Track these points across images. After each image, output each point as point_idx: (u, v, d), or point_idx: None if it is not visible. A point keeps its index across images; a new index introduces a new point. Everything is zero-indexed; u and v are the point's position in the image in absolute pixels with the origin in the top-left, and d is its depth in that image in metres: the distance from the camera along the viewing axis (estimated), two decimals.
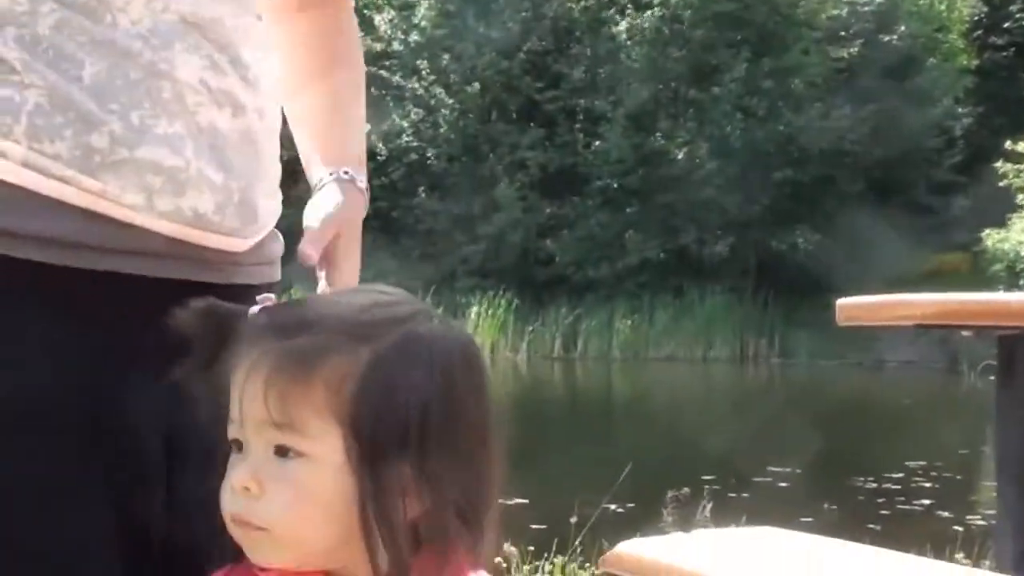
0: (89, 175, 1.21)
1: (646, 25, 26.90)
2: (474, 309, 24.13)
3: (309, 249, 1.40)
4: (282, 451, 1.06)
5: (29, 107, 1.20)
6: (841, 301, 2.17)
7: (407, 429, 1.05)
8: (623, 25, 27.16)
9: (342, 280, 1.46)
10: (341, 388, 1.05)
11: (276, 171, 1.44)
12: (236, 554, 1.11)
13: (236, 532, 1.08)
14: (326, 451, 1.05)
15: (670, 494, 5.77)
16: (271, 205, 1.43)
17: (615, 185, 26.24)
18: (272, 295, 1.15)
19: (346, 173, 1.50)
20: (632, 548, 2.05)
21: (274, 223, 1.46)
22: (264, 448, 1.07)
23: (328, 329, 1.08)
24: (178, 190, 1.26)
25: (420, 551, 1.07)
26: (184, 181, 1.26)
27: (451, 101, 27.69)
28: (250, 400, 1.07)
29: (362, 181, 1.53)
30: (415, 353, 1.08)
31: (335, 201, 1.47)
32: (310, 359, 1.05)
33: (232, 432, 1.09)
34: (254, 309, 1.13)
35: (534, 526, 6.20)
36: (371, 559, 1.05)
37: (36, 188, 1.20)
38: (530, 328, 24.45)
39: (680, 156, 25.94)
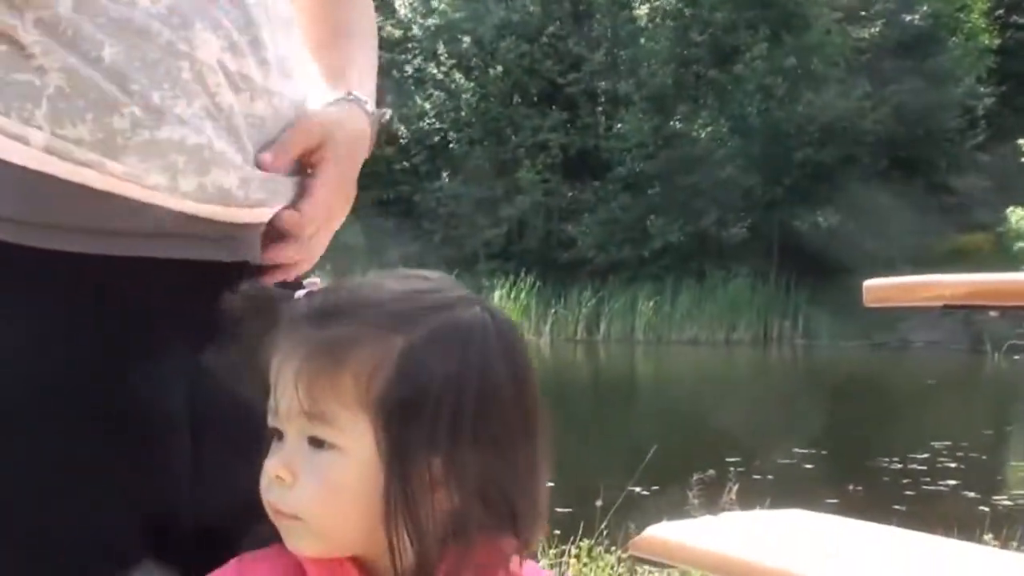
0: (112, 158, 1.19)
1: (668, 8, 26.86)
2: (496, 292, 24.14)
3: (264, 159, 1.29)
4: (316, 442, 1.05)
5: (50, 91, 1.18)
6: (868, 283, 2.15)
7: (438, 423, 1.02)
8: (644, 9, 27.13)
9: (320, 188, 1.35)
10: (371, 380, 1.03)
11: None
12: (271, 539, 1.10)
13: (273, 519, 1.08)
14: (355, 443, 1.03)
15: (695, 477, 5.77)
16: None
17: (637, 168, 26.21)
18: (318, 279, 1.13)
19: (350, 94, 1.42)
20: (661, 532, 2.05)
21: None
22: (297, 438, 1.06)
23: (361, 318, 1.05)
24: (202, 168, 1.23)
25: (447, 545, 1.04)
26: (208, 159, 1.23)
27: (471, 85, 27.70)
28: (283, 390, 1.06)
29: (369, 104, 1.44)
30: (451, 344, 1.04)
31: (323, 109, 1.38)
32: (340, 350, 1.04)
33: (271, 420, 1.08)
34: (299, 294, 1.11)
35: (559, 509, 6.18)
36: (392, 553, 1.03)
37: (56, 173, 1.19)
38: (553, 311, 24.47)
39: (701, 137, 25.89)
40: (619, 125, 26.68)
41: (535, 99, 27.80)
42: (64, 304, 1.19)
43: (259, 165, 1.29)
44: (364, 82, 1.51)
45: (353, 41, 1.57)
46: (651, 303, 24.44)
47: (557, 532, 4.91)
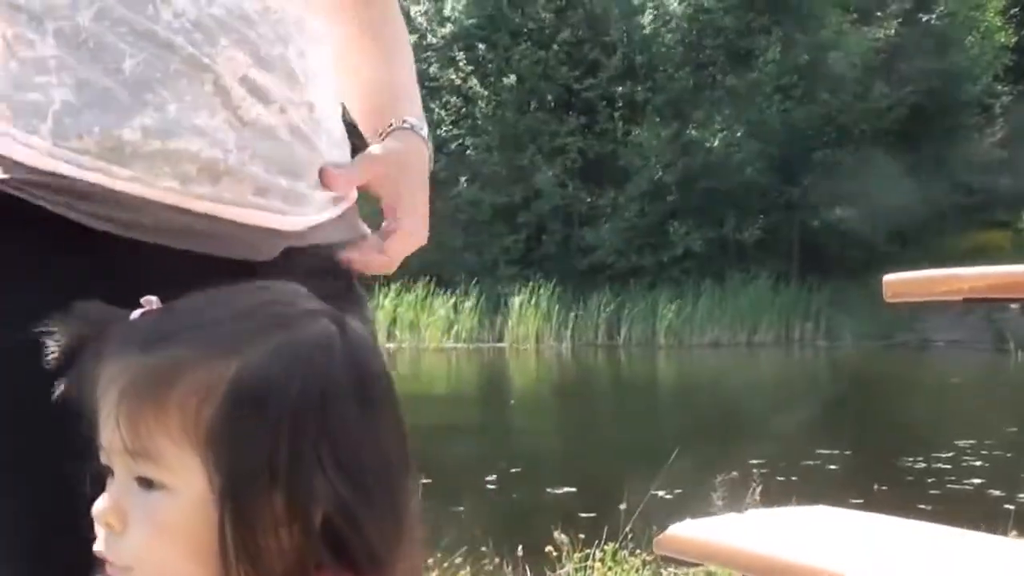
0: (120, 165, 1.22)
1: (680, 12, 26.89)
2: (516, 299, 24.14)
3: (331, 174, 1.37)
4: (145, 482, 0.93)
5: (56, 106, 1.21)
6: (888, 277, 2.14)
7: (276, 455, 0.90)
8: (649, 16, 27.18)
9: (403, 229, 1.42)
10: (199, 411, 0.91)
11: (334, 162, 1.40)
12: None
13: (108, 572, 0.97)
14: (186, 482, 0.92)
15: (719, 478, 5.77)
16: (327, 196, 1.40)
17: (655, 175, 26.18)
18: (154, 298, 0.99)
19: (405, 122, 1.48)
20: (684, 530, 2.05)
21: (336, 213, 1.42)
22: (125, 478, 0.94)
23: (189, 341, 0.93)
24: (214, 179, 1.25)
25: None
26: (222, 172, 1.26)
27: (487, 92, 27.72)
28: (104, 424, 0.94)
29: (423, 129, 1.50)
30: (289, 364, 0.93)
31: (387, 145, 1.46)
32: (164, 378, 0.92)
33: (102, 457, 0.96)
34: (134, 314, 0.98)
35: (583, 514, 6.21)
36: None
37: (67, 173, 1.21)
38: (573, 316, 24.44)
39: (718, 141, 25.87)
40: (637, 131, 26.66)
41: (552, 105, 27.80)
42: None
43: (323, 178, 1.36)
44: (414, 100, 1.55)
45: (396, 55, 1.60)
46: (672, 307, 24.39)
47: (582, 536, 4.91)
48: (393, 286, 23.16)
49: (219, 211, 1.27)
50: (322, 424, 0.92)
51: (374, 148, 1.45)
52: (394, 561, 0.96)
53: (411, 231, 1.44)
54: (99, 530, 0.96)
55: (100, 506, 0.95)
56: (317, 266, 1.31)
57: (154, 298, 0.99)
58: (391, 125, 1.47)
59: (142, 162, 1.22)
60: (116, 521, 0.94)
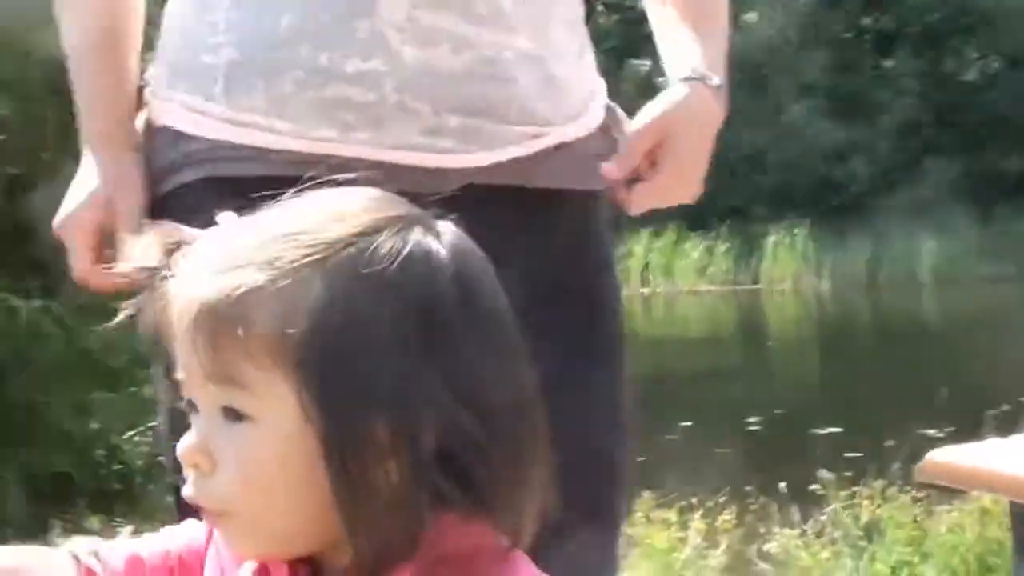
0: (280, 118, 1.28)
1: None
2: (771, 239, 23.77)
3: (608, 169, 1.38)
4: (232, 413, 0.84)
5: (224, 67, 1.30)
6: None
7: (376, 378, 0.81)
8: None
9: (655, 184, 1.41)
10: (286, 332, 0.81)
11: (537, 100, 1.37)
12: None
13: (204, 518, 0.90)
14: (276, 411, 0.83)
15: (990, 413, 5.61)
16: (523, 131, 1.37)
17: (909, 108, 25.29)
18: (231, 214, 0.90)
19: (694, 72, 1.46)
20: (947, 455, 2.02)
21: (544, 144, 1.39)
22: (210, 410, 0.86)
23: (273, 255, 0.83)
24: (375, 123, 1.29)
25: (410, 531, 0.82)
26: (380, 115, 1.29)
27: (729, 31, 27.33)
28: (182, 348, 0.86)
29: (713, 79, 1.49)
30: (386, 276, 0.82)
31: (671, 97, 1.43)
32: (247, 295, 0.82)
33: (184, 389, 0.88)
34: (207, 232, 0.89)
35: (848, 454, 6.13)
36: (353, 540, 0.83)
37: (233, 139, 1.30)
38: (831, 255, 23.91)
39: (974, 72, 24.79)
40: (888, 64, 25.80)
41: (798, 40, 27.17)
42: None
43: (604, 174, 1.36)
44: (711, 43, 1.57)
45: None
46: (933, 243, 23.55)
47: (847, 475, 4.86)
48: (644, 232, 23.10)
49: (381, 156, 1.29)
50: (425, 340, 0.83)
51: (653, 107, 1.42)
52: (520, 506, 0.86)
53: (666, 187, 1.43)
54: (187, 472, 0.87)
55: (186, 444, 0.86)
56: (516, 201, 1.35)
57: (231, 213, 0.90)
58: (687, 75, 1.46)
59: (299, 112, 1.28)
60: (204, 460, 0.85)
